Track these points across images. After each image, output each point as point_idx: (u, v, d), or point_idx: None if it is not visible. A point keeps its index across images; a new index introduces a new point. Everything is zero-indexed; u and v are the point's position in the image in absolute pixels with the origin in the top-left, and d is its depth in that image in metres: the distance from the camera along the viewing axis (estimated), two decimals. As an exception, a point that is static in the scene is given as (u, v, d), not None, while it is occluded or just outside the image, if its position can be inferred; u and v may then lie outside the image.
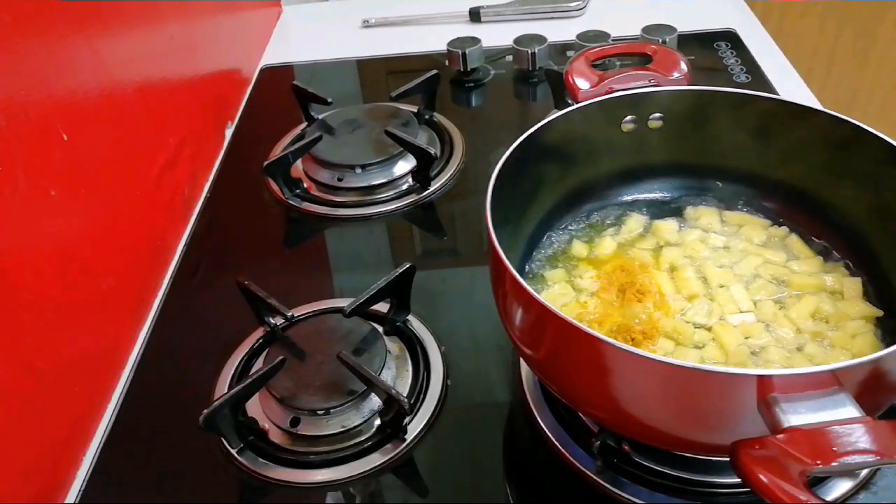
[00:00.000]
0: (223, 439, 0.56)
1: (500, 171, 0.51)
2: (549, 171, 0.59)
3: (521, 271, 0.59)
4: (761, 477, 0.34)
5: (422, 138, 0.86)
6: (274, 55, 1.15)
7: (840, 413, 0.36)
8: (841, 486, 0.50)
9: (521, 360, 0.59)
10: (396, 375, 0.60)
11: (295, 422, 0.57)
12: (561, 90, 0.88)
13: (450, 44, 1.01)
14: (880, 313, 0.53)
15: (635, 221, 0.62)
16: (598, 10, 1.17)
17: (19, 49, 0.55)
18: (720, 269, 0.57)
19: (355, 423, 0.56)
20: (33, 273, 0.55)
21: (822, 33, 1.55)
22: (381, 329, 0.62)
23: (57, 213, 0.58)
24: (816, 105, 0.71)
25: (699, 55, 0.99)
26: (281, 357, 0.57)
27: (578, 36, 1.00)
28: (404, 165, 0.83)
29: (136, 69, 0.74)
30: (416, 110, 0.91)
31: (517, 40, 1.00)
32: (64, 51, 0.61)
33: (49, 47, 0.59)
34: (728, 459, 0.37)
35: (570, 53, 1.02)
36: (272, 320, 0.64)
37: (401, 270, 0.62)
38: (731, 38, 1.04)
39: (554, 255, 0.60)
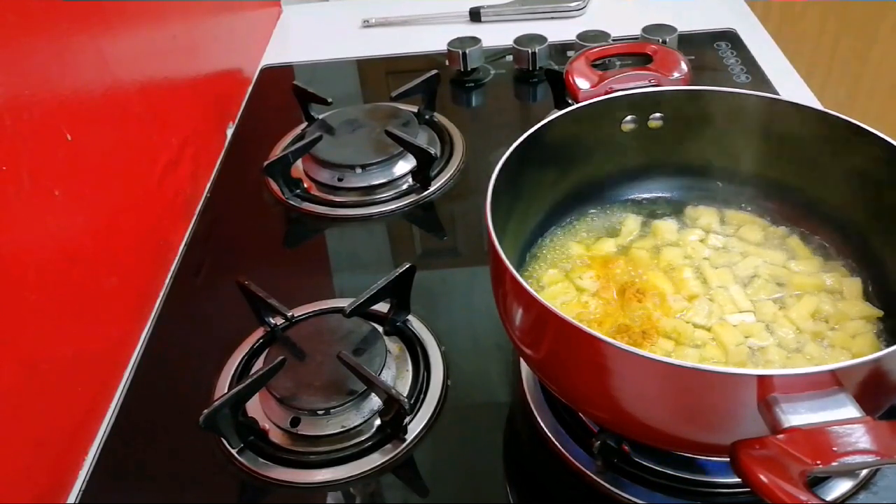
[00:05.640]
0: (223, 439, 0.56)
1: (501, 171, 0.51)
2: (549, 171, 0.59)
3: (521, 271, 0.59)
4: (761, 477, 0.34)
5: (422, 138, 0.86)
6: (274, 55, 1.15)
7: (840, 413, 0.36)
8: (841, 486, 0.50)
9: (521, 360, 0.59)
10: (396, 375, 0.60)
11: (295, 422, 0.57)
12: (561, 90, 0.88)
13: (450, 44, 1.01)
14: (880, 313, 0.53)
15: (635, 221, 0.62)
16: (598, 10, 1.17)
17: (24, 48, 0.55)
18: (720, 269, 0.57)
19: (355, 423, 0.56)
20: (36, 272, 0.55)
21: (822, 33, 1.55)
22: (381, 329, 0.62)
23: (60, 212, 0.58)
24: (816, 105, 0.71)
25: (699, 55, 0.99)
26: (281, 357, 0.57)
27: (578, 36, 1.00)
28: (404, 165, 0.83)
29: (140, 69, 0.74)
30: (416, 110, 0.91)
31: (517, 40, 1.00)
32: (68, 50, 0.61)
33: (53, 47, 0.59)
34: (728, 459, 0.37)
35: (570, 53, 1.02)
36: (272, 320, 0.64)
37: (401, 270, 0.62)
38: (731, 38, 1.04)
39: (554, 254, 0.60)
